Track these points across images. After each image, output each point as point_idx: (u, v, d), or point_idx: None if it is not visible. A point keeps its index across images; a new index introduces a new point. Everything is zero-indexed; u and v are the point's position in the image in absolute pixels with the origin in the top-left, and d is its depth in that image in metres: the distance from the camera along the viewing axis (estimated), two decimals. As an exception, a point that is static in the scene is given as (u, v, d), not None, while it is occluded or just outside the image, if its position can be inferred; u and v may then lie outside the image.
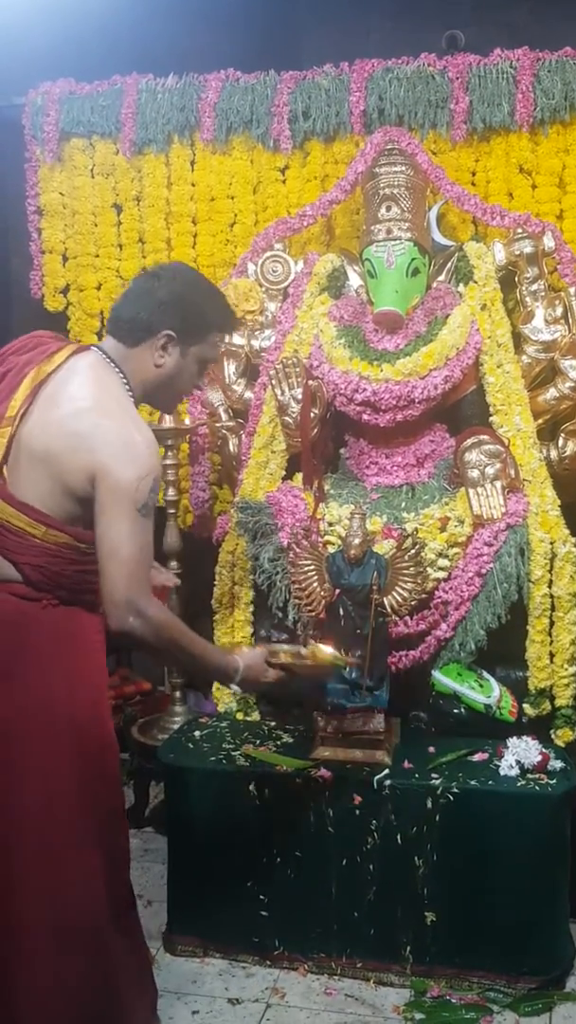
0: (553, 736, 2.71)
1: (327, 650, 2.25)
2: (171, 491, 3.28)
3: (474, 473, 2.80)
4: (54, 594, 1.94)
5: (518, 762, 2.50)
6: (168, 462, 3.30)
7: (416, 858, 2.45)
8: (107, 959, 2.01)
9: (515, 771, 2.49)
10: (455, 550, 2.76)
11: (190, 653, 2.00)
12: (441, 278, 3.17)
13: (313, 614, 2.64)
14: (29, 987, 1.94)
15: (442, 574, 2.74)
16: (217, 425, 3.34)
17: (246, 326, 3.27)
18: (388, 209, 3.05)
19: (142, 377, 2.01)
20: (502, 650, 2.74)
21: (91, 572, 1.91)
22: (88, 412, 1.90)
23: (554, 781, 2.47)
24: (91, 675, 2.02)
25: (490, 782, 2.47)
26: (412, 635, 2.74)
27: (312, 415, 3.00)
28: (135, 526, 1.86)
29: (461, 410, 3.08)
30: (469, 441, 2.85)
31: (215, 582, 2.90)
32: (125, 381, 1.98)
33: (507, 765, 2.50)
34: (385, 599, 2.54)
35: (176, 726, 3.09)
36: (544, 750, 2.53)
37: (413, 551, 2.55)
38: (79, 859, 1.95)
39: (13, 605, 1.93)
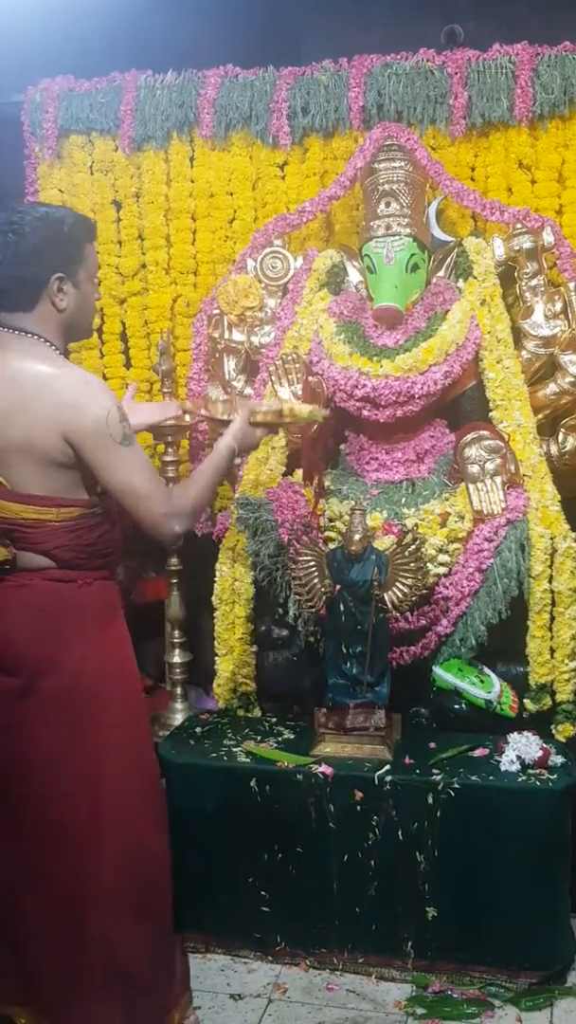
0: (554, 731, 2.71)
1: (303, 408, 2.43)
2: (172, 488, 3.29)
3: (474, 468, 2.80)
4: (86, 568, 2.01)
5: (519, 758, 2.50)
6: (169, 458, 3.30)
7: (417, 853, 2.45)
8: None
9: (516, 767, 2.49)
10: (455, 546, 2.76)
11: (211, 487, 2.25)
12: (440, 274, 3.16)
13: (314, 610, 2.64)
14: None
15: (442, 570, 2.74)
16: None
17: (246, 322, 3.27)
18: (387, 205, 3.04)
19: (55, 327, 2.02)
20: (503, 646, 2.74)
21: (111, 531, 2.04)
22: (31, 385, 1.93)
23: (555, 776, 2.47)
24: (124, 647, 2.10)
25: (491, 778, 2.47)
26: (412, 631, 2.74)
27: (312, 411, 3.00)
28: (128, 459, 1.95)
29: (461, 406, 3.08)
30: (469, 437, 2.85)
31: (215, 578, 2.90)
32: (43, 340, 2.00)
33: (508, 761, 2.50)
34: (385, 595, 2.54)
35: (177, 723, 3.10)
36: (545, 745, 2.54)
37: (413, 547, 2.55)
38: (111, 836, 2.01)
39: (50, 589, 1.99)
